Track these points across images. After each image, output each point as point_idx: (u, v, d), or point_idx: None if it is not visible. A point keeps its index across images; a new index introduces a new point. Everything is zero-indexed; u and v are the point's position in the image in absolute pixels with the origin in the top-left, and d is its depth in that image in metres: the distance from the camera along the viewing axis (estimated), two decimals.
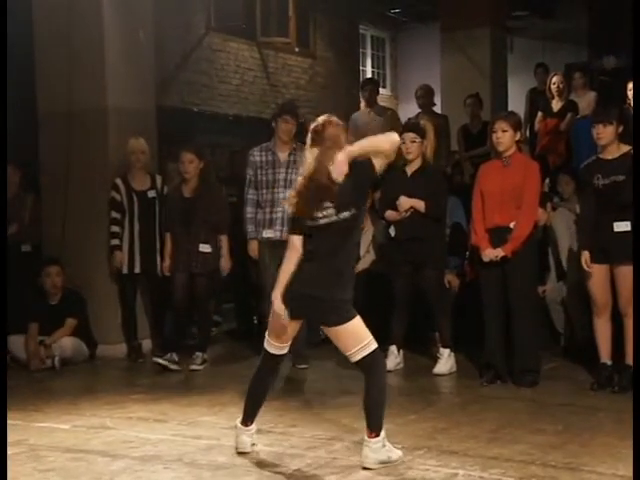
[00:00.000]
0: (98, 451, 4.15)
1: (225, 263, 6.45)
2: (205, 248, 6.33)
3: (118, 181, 6.84)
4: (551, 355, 6.18)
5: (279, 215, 6.11)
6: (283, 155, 6.21)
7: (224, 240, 6.43)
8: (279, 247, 6.06)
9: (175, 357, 6.33)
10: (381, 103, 10.20)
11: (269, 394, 4.10)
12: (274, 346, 3.95)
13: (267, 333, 3.96)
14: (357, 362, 3.83)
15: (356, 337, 3.82)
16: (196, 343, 6.52)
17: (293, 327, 3.92)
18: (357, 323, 3.84)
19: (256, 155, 6.28)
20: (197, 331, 6.63)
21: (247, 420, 4.05)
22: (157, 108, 7.53)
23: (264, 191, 6.20)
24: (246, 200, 6.30)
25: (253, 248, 6.26)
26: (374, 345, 3.84)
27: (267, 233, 6.17)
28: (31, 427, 4.67)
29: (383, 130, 8.72)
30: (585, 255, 5.27)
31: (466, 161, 8.60)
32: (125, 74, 7.07)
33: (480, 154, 8.23)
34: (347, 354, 3.85)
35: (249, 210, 6.25)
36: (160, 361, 6.27)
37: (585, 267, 5.29)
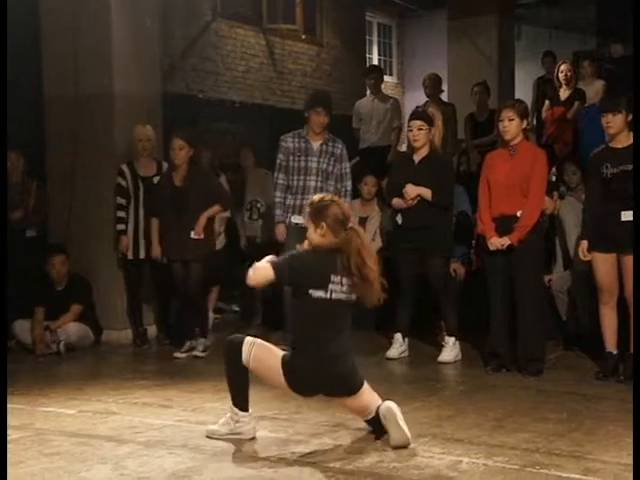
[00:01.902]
0: (103, 436, 4.16)
1: (199, 225, 6.24)
2: (196, 235, 6.30)
3: (124, 167, 6.84)
4: (556, 344, 6.18)
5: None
6: (316, 144, 6.26)
7: (215, 208, 6.31)
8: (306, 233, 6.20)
9: (194, 343, 6.37)
10: (387, 91, 10.19)
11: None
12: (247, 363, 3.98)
13: (255, 357, 3.94)
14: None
15: (370, 401, 3.96)
16: (197, 330, 6.49)
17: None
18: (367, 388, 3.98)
19: (289, 141, 6.28)
20: (197, 319, 6.62)
21: (247, 404, 4.05)
22: (163, 94, 7.53)
23: (295, 177, 6.24)
24: (275, 184, 6.33)
25: (281, 231, 6.26)
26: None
27: (296, 219, 6.18)
28: (36, 412, 4.68)
29: (385, 117, 8.81)
30: (583, 244, 5.28)
31: (473, 150, 8.58)
32: (131, 60, 7.07)
33: (487, 143, 8.20)
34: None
35: (278, 195, 6.29)
36: (181, 355, 6.30)
37: (581, 256, 5.31)
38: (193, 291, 6.39)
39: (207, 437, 4.06)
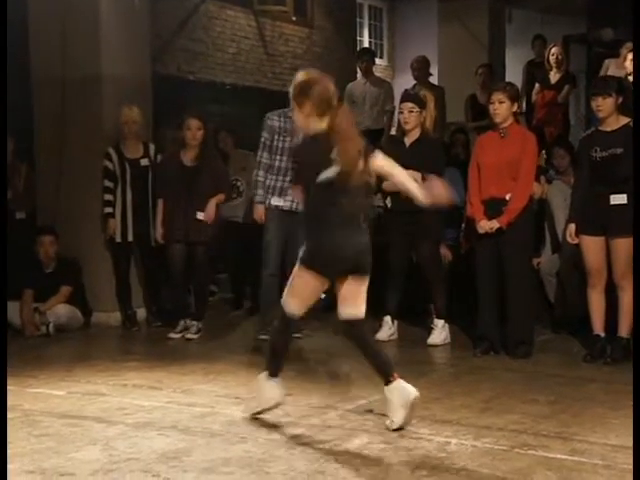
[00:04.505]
0: (93, 417, 4.17)
1: (209, 216, 6.27)
2: (202, 216, 6.30)
3: (110, 150, 6.80)
4: (544, 327, 6.22)
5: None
6: None
7: (220, 196, 6.36)
8: (286, 217, 5.98)
9: (188, 323, 6.36)
10: (378, 74, 10.15)
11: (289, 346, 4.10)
12: (296, 309, 3.96)
13: (289, 297, 3.96)
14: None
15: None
16: (193, 312, 6.48)
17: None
18: None
19: (274, 120, 6.08)
20: (194, 300, 6.60)
21: (276, 372, 4.03)
22: (152, 76, 7.48)
23: (279, 157, 6.03)
24: (259, 163, 6.11)
25: (259, 213, 6.07)
26: None
27: (277, 201, 6.00)
28: (26, 393, 4.68)
29: (378, 100, 8.78)
30: (570, 228, 5.30)
31: (472, 131, 8.54)
32: (120, 41, 7.01)
33: (486, 125, 8.17)
34: (358, 310, 3.93)
35: (260, 174, 6.05)
36: (175, 336, 6.31)
37: (569, 239, 5.33)
38: (201, 274, 6.41)
39: (251, 418, 4.04)
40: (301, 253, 3.93)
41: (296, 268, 3.95)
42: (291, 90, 3.97)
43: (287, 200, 5.98)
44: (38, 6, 7.10)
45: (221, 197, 6.40)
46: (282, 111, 6.16)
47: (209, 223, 6.29)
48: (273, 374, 4.03)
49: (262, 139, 6.12)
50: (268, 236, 6.06)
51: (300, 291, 3.95)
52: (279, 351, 4.06)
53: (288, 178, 5.99)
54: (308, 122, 3.92)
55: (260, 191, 6.07)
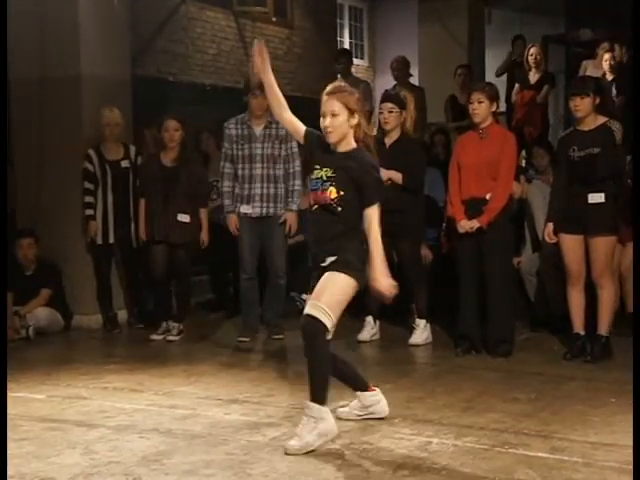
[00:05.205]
0: (73, 421, 4.15)
1: (205, 236, 6.38)
2: (184, 218, 6.28)
3: (91, 152, 6.77)
4: (525, 326, 6.25)
5: (257, 191, 6.02)
6: (258, 129, 6.09)
7: (204, 213, 6.40)
8: (257, 223, 6.06)
9: (170, 325, 6.36)
10: (358, 74, 10.16)
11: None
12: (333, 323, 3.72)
13: (333, 315, 3.67)
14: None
15: None
16: (175, 314, 6.48)
17: None
18: None
19: (232, 128, 6.13)
20: (175, 302, 6.58)
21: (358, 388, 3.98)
22: (132, 77, 7.45)
23: (240, 166, 6.08)
24: (222, 174, 6.17)
25: (232, 222, 6.12)
26: None
27: (245, 209, 6.06)
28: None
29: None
30: (549, 227, 5.34)
31: (453, 131, 8.57)
32: (99, 42, 6.98)
33: (466, 125, 8.21)
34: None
35: (226, 184, 6.12)
36: (157, 337, 6.31)
37: (547, 238, 5.36)
38: (182, 276, 6.40)
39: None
40: (347, 265, 3.68)
41: (342, 282, 3.69)
42: (346, 93, 3.80)
43: (256, 207, 6.03)
44: (17, 6, 7.04)
45: (205, 213, 6.41)
46: (238, 118, 6.17)
47: (186, 222, 6.28)
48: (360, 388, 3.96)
49: (223, 149, 6.19)
50: (241, 243, 6.12)
51: (342, 307, 3.73)
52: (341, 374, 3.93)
53: (256, 185, 6.02)
54: (348, 134, 3.81)
55: (227, 201, 6.13)
